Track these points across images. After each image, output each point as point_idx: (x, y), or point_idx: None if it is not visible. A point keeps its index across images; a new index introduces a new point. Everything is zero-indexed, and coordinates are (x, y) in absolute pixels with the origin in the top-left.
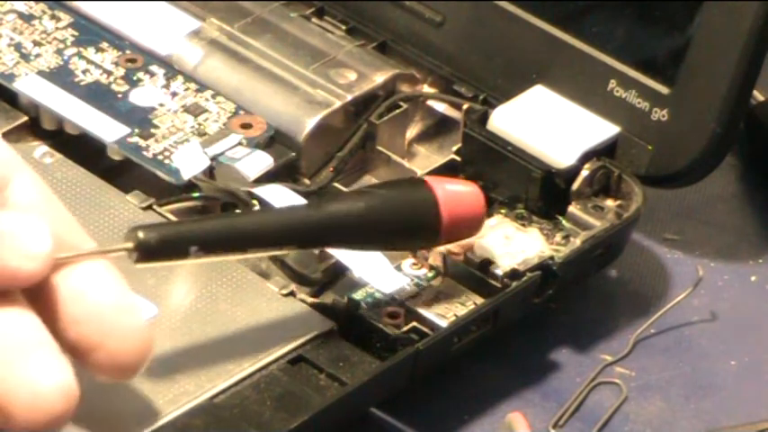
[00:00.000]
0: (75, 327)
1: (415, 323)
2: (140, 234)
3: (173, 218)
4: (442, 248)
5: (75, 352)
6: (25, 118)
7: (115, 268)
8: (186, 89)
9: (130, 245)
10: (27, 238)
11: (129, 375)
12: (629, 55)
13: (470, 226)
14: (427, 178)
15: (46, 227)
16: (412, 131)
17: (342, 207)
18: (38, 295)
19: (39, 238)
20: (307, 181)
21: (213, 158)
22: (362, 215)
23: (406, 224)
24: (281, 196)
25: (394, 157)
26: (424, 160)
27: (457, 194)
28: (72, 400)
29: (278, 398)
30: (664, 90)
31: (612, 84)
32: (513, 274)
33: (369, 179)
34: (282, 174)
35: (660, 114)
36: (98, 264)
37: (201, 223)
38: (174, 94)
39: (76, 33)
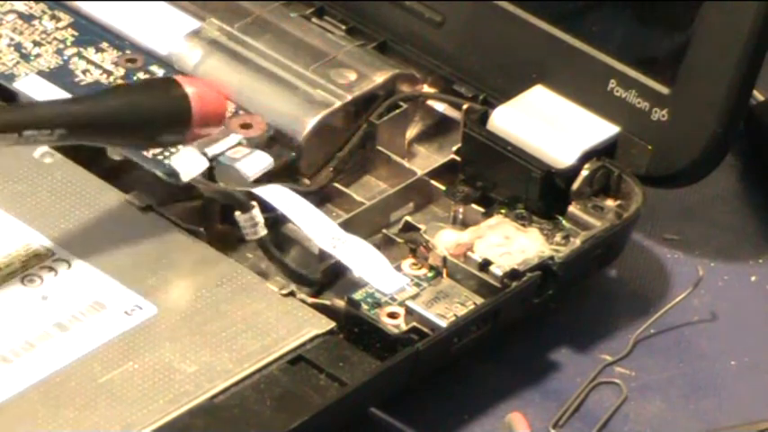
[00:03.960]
0: None
1: (415, 323)
2: None
3: (173, 219)
4: (443, 248)
5: None
6: None
7: None
8: None
9: None
10: None
11: None
12: (629, 55)
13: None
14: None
15: None
16: (412, 131)
17: (113, 101)
18: None
19: None
20: (307, 181)
21: (213, 159)
22: (130, 110)
23: (168, 120)
24: (281, 196)
25: (394, 157)
26: (424, 160)
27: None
28: None
29: (278, 398)
30: (664, 90)
31: (612, 84)
32: (513, 274)
33: (369, 179)
34: (282, 174)
35: (660, 114)
36: None
37: None
38: None
39: (76, 33)
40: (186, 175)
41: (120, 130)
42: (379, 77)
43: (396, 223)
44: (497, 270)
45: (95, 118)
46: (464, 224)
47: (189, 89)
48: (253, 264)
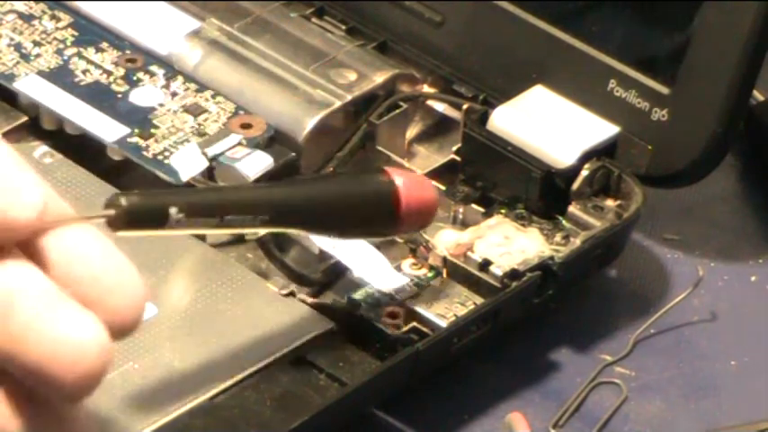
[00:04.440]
0: (73, 287)
1: (415, 323)
2: (122, 200)
3: None
4: (443, 248)
5: None
6: (25, 118)
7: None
8: (186, 89)
9: (112, 211)
10: (22, 188)
11: (128, 331)
12: (629, 55)
13: (427, 214)
14: (387, 168)
15: (36, 181)
16: (412, 131)
17: (318, 188)
18: (32, 258)
19: (32, 189)
20: None
21: (213, 159)
22: (336, 198)
23: (374, 210)
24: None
25: (394, 157)
26: (424, 160)
27: (416, 183)
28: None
29: (278, 398)
30: (664, 90)
31: (612, 84)
32: (513, 274)
33: None
34: (282, 174)
35: (660, 114)
36: (85, 227)
37: (181, 191)
38: (174, 94)
39: (76, 33)
40: (186, 174)
41: (324, 219)
42: (379, 77)
43: None
44: (497, 270)
45: (299, 206)
46: (464, 224)
47: (398, 179)
48: (253, 264)
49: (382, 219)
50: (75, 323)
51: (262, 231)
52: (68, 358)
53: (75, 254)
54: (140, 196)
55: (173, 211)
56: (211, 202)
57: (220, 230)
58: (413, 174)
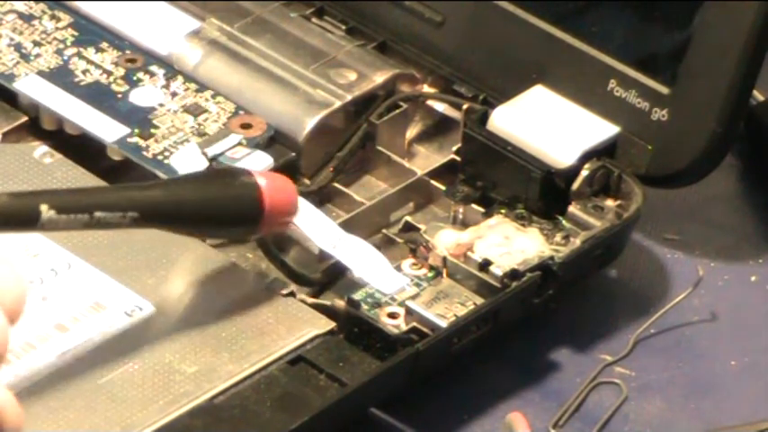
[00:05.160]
0: None
1: (415, 323)
2: None
3: None
4: (443, 248)
5: None
6: (25, 118)
7: None
8: (186, 89)
9: None
10: None
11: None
12: (629, 55)
13: (288, 215)
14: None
15: None
16: (412, 131)
17: (184, 188)
18: None
19: None
20: (307, 181)
21: (213, 159)
22: (202, 198)
23: (238, 210)
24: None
25: (394, 157)
26: (424, 160)
27: (278, 184)
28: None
29: (278, 398)
30: (664, 90)
31: (612, 84)
32: (513, 275)
33: (369, 179)
34: (282, 174)
35: (660, 114)
36: None
37: (51, 190)
38: (174, 94)
39: (76, 33)
40: None
41: (191, 218)
42: (379, 77)
43: (396, 223)
44: (497, 270)
45: (166, 205)
46: (464, 224)
47: (261, 180)
48: (253, 264)
49: (246, 219)
50: None
51: (133, 230)
52: None
53: None
54: (10, 196)
55: (43, 208)
56: (81, 198)
57: (93, 229)
58: (275, 175)
